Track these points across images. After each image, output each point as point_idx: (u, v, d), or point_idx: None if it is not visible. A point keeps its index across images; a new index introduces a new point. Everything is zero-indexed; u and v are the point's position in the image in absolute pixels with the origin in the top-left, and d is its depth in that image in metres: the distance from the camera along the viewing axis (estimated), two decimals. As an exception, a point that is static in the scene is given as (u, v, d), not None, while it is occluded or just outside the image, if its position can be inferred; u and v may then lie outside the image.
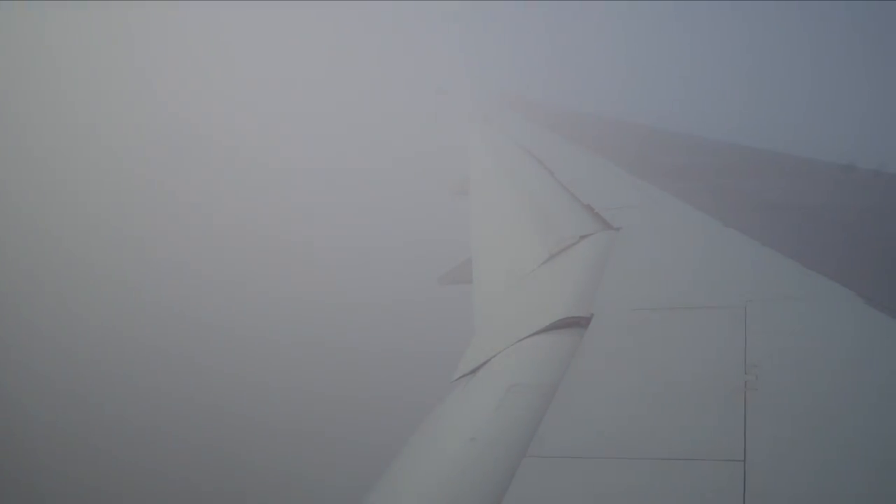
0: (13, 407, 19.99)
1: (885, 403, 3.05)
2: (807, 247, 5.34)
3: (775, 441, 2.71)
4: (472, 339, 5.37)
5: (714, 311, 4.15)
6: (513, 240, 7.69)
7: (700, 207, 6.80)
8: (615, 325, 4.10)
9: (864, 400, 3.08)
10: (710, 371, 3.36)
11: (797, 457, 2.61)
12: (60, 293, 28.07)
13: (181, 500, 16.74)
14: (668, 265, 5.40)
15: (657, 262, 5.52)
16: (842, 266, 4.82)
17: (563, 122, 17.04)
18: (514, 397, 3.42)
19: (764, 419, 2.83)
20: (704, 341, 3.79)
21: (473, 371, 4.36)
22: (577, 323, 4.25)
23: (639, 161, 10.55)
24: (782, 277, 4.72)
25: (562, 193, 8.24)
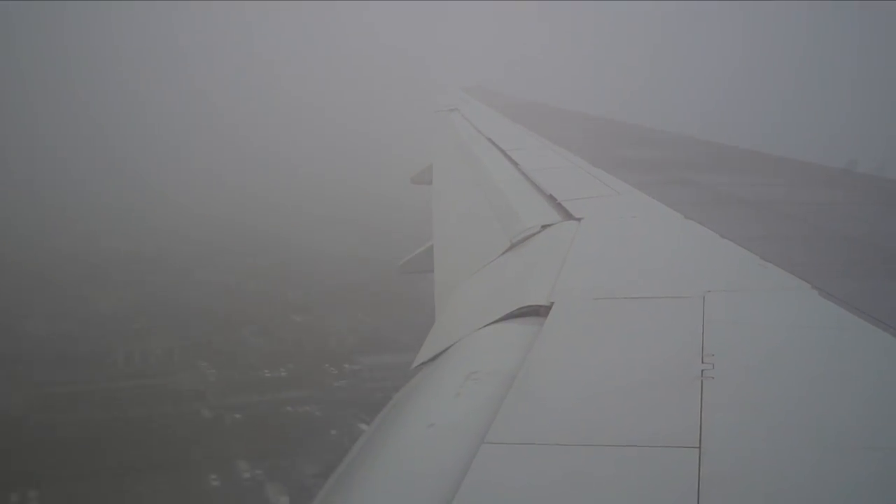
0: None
1: (838, 392, 3.10)
2: (764, 239, 5.41)
3: (730, 428, 2.74)
4: (433, 327, 5.36)
5: (673, 300, 4.18)
6: (474, 228, 7.68)
7: (661, 199, 6.86)
8: (575, 314, 4.11)
9: (817, 389, 3.13)
10: (668, 359, 3.39)
11: (751, 444, 2.65)
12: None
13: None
14: (628, 255, 5.43)
15: (617, 252, 5.56)
16: (797, 259, 4.90)
17: (528, 113, 17.05)
18: (473, 384, 3.42)
19: (719, 407, 2.87)
20: (663, 330, 3.83)
21: (434, 358, 4.35)
22: (537, 311, 4.26)
23: (602, 154, 10.60)
24: (740, 269, 4.78)
25: (524, 183, 8.24)
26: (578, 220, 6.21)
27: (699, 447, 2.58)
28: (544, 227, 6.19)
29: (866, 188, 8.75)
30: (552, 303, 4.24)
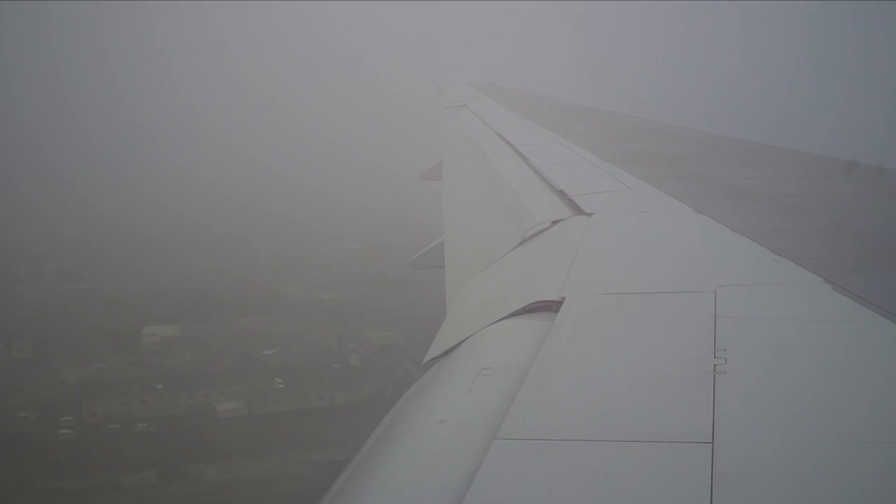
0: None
1: (851, 386, 3.09)
2: (776, 233, 5.39)
3: (743, 423, 2.73)
4: (443, 322, 5.36)
5: (684, 295, 4.17)
6: (485, 224, 7.67)
7: (672, 194, 6.83)
8: (586, 309, 4.10)
9: (830, 383, 3.12)
10: (680, 354, 3.38)
11: (764, 438, 2.64)
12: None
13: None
14: (639, 250, 5.42)
15: (628, 247, 5.54)
16: (810, 252, 4.87)
17: (537, 109, 17.01)
18: (484, 380, 3.42)
19: (732, 402, 2.86)
20: (674, 325, 3.81)
21: (444, 354, 4.35)
22: (548, 307, 4.25)
23: (612, 148, 10.57)
24: (752, 263, 4.76)
25: (535, 179, 8.23)
26: (589, 215, 6.20)
27: (712, 442, 2.57)
28: (555, 222, 6.18)
29: (878, 181, 8.68)
30: (563, 298, 4.23)
